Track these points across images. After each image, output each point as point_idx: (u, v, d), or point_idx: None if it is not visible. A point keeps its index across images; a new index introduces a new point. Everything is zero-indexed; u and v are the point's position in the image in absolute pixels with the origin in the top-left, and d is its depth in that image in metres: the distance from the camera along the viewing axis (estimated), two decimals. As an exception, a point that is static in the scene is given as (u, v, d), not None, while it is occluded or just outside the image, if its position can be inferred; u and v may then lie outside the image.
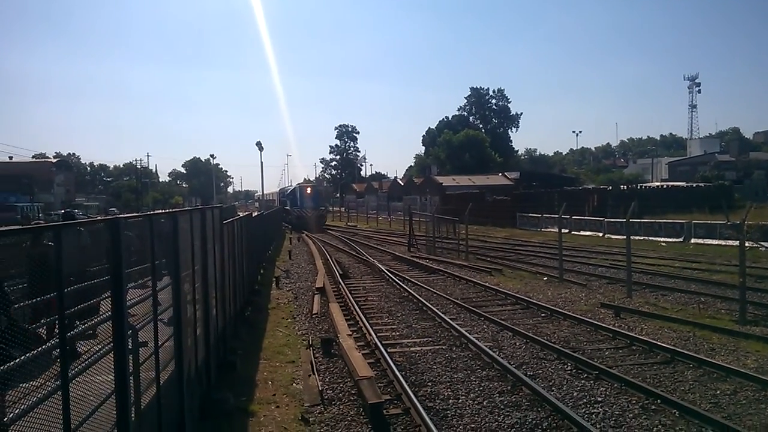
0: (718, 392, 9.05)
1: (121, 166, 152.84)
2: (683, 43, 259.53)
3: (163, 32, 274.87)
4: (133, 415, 4.29)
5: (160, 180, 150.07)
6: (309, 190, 59.30)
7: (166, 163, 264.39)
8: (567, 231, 36.05)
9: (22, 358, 3.10)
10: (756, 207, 37.17)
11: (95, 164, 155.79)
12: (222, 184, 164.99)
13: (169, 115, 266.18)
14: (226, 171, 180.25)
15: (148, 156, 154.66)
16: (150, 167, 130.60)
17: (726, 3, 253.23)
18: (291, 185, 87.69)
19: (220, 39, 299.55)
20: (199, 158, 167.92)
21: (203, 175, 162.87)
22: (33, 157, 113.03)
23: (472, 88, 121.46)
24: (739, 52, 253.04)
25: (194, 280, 7.33)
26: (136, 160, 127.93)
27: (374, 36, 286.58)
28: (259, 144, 62.98)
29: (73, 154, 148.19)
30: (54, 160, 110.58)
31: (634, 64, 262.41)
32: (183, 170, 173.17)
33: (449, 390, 9.51)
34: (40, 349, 3.37)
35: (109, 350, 4.11)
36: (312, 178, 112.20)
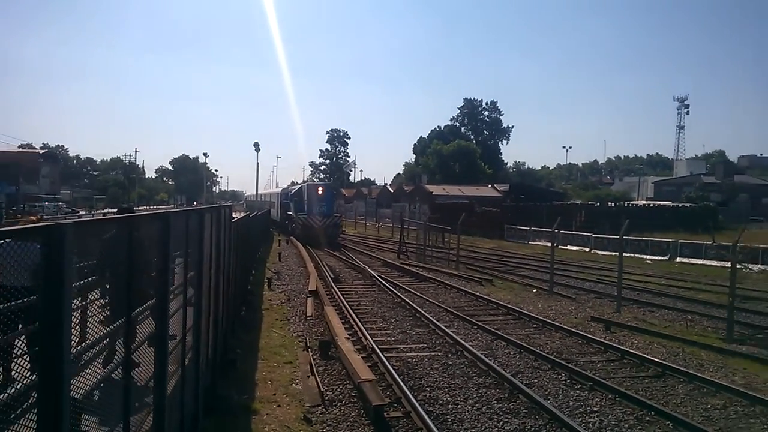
0: (709, 406, 9.32)
1: (108, 160, 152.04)
2: (674, 64, 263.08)
3: (158, 26, 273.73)
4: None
5: (147, 176, 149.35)
6: (320, 190, 43.63)
7: (153, 160, 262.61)
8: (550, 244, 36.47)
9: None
10: (743, 230, 37.87)
11: (82, 157, 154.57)
12: (209, 183, 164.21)
13: (159, 111, 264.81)
14: (216, 170, 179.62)
15: (135, 151, 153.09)
16: (137, 163, 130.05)
17: (718, 27, 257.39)
18: (295, 184, 75.32)
19: (215, 36, 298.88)
20: (187, 156, 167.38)
21: (190, 173, 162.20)
22: (19, 146, 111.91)
23: (465, 99, 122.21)
24: (728, 77, 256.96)
25: (210, 274, 7.47)
26: (125, 155, 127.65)
27: (369, 41, 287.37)
28: (256, 145, 61.92)
29: (61, 146, 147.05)
30: (41, 151, 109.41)
31: (625, 83, 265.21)
32: (170, 167, 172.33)
33: (448, 395, 9.68)
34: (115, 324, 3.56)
35: (152, 333, 4.36)
36: (299, 181, 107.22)
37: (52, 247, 2.34)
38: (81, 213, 62.32)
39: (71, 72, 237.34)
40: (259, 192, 74.64)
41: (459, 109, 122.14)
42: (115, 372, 3.50)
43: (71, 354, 2.54)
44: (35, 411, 2.31)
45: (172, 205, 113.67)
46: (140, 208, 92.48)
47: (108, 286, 3.63)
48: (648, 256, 33.49)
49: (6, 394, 2.19)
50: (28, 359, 2.31)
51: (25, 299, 2.61)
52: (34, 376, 2.37)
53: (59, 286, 2.37)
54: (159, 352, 4.52)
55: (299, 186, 51.25)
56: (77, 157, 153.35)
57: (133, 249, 3.57)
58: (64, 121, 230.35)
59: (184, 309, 5.47)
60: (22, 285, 2.44)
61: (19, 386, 2.23)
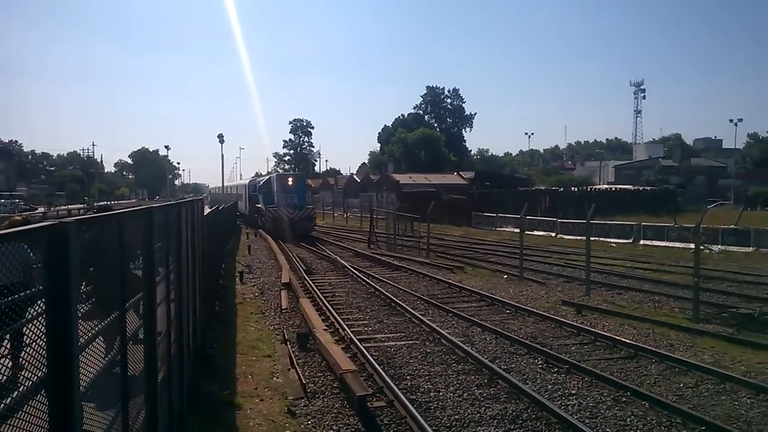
0: (682, 385, 9.62)
1: (65, 155, 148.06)
2: (630, 48, 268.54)
3: (116, 11, 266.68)
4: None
5: (106, 170, 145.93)
6: (291, 181, 41.30)
7: (111, 154, 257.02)
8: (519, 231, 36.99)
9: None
10: (698, 211, 38.91)
11: (37, 152, 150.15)
12: (170, 176, 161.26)
13: (117, 103, 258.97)
14: (178, 163, 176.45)
15: (93, 145, 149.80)
16: (95, 157, 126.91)
17: (673, 11, 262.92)
18: (260, 176, 72.90)
19: (176, 23, 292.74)
20: (147, 149, 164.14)
21: (151, 167, 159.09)
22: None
23: (428, 87, 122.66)
24: (683, 60, 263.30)
25: (188, 269, 7.38)
26: (82, 150, 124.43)
27: (334, 30, 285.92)
28: (220, 136, 60.76)
29: (15, 141, 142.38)
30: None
31: (583, 68, 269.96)
32: (129, 161, 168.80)
33: (429, 383, 9.78)
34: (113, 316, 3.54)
35: (140, 326, 4.35)
36: (264, 173, 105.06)
37: (57, 245, 2.36)
38: (40, 210, 60.40)
39: (22, 64, 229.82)
40: (225, 184, 72.52)
41: (422, 97, 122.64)
42: (112, 366, 3.48)
43: (79, 348, 2.54)
44: (45, 404, 2.31)
45: (134, 200, 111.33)
46: (100, 203, 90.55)
47: (101, 282, 3.59)
48: (612, 240, 34.24)
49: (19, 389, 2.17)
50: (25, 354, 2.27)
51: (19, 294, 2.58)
52: (39, 373, 2.35)
53: (66, 283, 2.38)
54: (148, 346, 4.48)
55: (268, 177, 48.61)
56: (32, 152, 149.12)
57: (123, 244, 3.57)
58: (16, 116, 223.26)
59: (167, 303, 5.41)
60: (11, 282, 2.41)
61: (27, 382, 2.20)
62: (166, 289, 5.51)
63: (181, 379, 6.36)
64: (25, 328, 2.34)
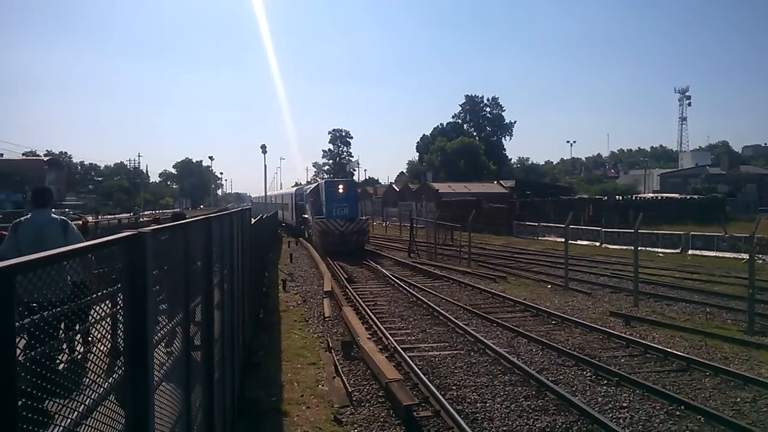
0: (738, 399, 9.29)
1: (112, 165, 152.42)
2: (674, 55, 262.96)
3: (158, 30, 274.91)
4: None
5: (151, 181, 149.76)
6: (341, 188, 35.38)
7: (156, 164, 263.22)
8: (564, 240, 36.44)
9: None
10: (748, 220, 37.67)
11: (86, 163, 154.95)
12: (213, 186, 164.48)
13: (161, 115, 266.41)
14: (221, 174, 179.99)
15: (139, 156, 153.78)
16: (141, 168, 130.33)
17: (718, 17, 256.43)
18: (311, 183, 65.66)
19: (216, 38, 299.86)
20: (190, 159, 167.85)
21: (194, 177, 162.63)
22: (23, 154, 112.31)
23: (467, 96, 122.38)
24: (729, 67, 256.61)
25: (238, 276, 7.50)
26: (128, 161, 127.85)
27: (371, 40, 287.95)
28: (263, 147, 61.16)
29: (65, 152, 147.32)
30: (46, 159, 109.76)
31: (627, 75, 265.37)
32: (174, 171, 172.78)
33: (475, 394, 9.67)
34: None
35: (197, 331, 4.47)
36: (303, 182, 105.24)
37: (136, 253, 2.50)
38: (88, 218, 62.05)
39: (71, 79, 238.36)
40: (270, 193, 70.40)
41: (461, 106, 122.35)
42: (176, 366, 3.57)
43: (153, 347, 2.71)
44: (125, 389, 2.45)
45: (178, 210, 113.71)
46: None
47: (169, 284, 3.73)
48: (660, 249, 33.40)
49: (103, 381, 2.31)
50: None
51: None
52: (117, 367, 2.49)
53: (143, 288, 2.53)
54: (205, 350, 4.56)
55: (315, 184, 43.31)
56: (81, 163, 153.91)
57: (188, 251, 3.69)
58: (66, 128, 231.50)
59: (222, 309, 5.52)
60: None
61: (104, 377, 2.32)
62: (220, 295, 5.61)
63: (233, 384, 6.44)
64: (104, 323, 2.44)
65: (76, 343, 2.47)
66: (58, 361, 2.13)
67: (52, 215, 6.84)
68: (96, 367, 2.19)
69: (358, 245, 33.34)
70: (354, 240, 33.46)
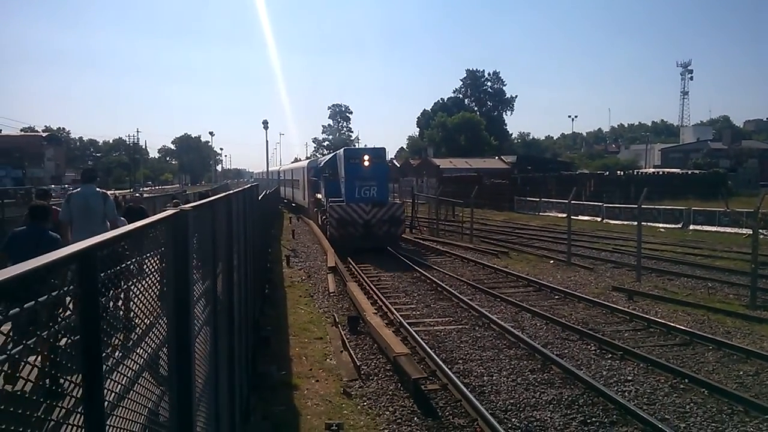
0: (741, 373, 9.43)
1: (111, 141, 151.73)
2: (677, 29, 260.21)
3: (157, 4, 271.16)
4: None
5: (150, 156, 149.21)
6: (367, 160, 25.27)
7: (155, 140, 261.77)
8: (565, 215, 36.51)
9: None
10: (750, 195, 37.70)
11: (84, 139, 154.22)
12: (211, 162, 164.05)
13: (159, 90, 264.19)
14: (221, 149, 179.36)
15: (137, 132, 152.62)
16: (140, 143, 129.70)
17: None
18: (298, 160, 63.33)
19: (215, 12, 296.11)
20: (189, 135, 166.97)
21: (193, 152, 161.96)
22: (21, 130, 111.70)
23: (467, 70, 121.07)
24: (732, 41, 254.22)
25: (246, 250, 7.59)
26: (127, 136, 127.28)
27: (370, 12, 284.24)
28: (265, 122, 60.55)
29: (63, 128, 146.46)
30: (44, 135, 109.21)
31: (628, 49, 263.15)
32: (173, 147, 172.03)
33: (481, 368, 9.81)
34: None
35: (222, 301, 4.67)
36: (303, 158, 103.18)
37: (179, 230, 2.74)
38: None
39: (70, 55, 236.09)
40: (281, 168, 66.07)
41: (461, 80, 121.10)
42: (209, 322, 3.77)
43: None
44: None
45: (178, 186, 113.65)
46: (146, 188, 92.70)
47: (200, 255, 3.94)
48: (661, 224, 33.47)
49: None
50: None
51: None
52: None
53: (185, 261, 2.77)
54: (225, 322, 4.70)
55: (332, 154, 33.43)
56: (80, 139, 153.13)
57: (215, 226, 3.99)
58: (64, 104, 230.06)
59: (237, 283, 5.64)
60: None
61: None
62: (234, 270, 5.71)
63: (246, 358, 6.55)
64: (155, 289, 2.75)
65: (132, 302, 2.78)
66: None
67: (96, 189, 8.60)
68: (150, 319, 2.54)
69: (390, 239, 24.56)
70: (384, 233, 24.35)
